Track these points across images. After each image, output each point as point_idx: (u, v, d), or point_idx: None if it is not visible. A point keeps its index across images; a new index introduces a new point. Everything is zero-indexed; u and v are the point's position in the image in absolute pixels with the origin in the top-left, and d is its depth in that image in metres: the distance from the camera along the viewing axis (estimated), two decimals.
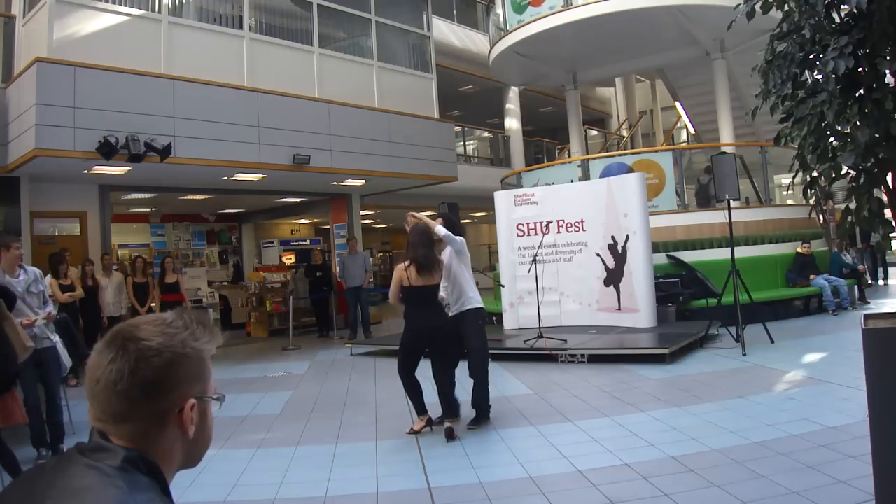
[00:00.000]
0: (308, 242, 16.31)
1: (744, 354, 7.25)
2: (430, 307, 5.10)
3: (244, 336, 13.12)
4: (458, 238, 5.36)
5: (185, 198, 12.45)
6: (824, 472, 3.56)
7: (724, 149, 10.61)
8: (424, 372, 5.21)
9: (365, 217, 15.72)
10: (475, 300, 5.33)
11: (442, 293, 5.31)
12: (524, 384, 6.72)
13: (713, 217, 10.53)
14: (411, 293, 5.05)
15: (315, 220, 17.38)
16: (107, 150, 7.54)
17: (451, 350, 5.17)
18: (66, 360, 5.22)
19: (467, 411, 5.30)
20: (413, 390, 5.15)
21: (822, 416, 4.63)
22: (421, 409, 5.14)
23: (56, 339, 5.12)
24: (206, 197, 12.37)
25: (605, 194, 9.29)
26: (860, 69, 3.12)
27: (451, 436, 4.86)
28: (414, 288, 5.01)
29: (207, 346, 1.01)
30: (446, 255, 5.40)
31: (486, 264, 19.30)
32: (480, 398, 5.26)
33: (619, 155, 13.55)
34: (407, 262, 5.04)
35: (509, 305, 9.84)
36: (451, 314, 5.32)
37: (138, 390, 0.93)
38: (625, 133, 21.70)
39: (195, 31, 9.15)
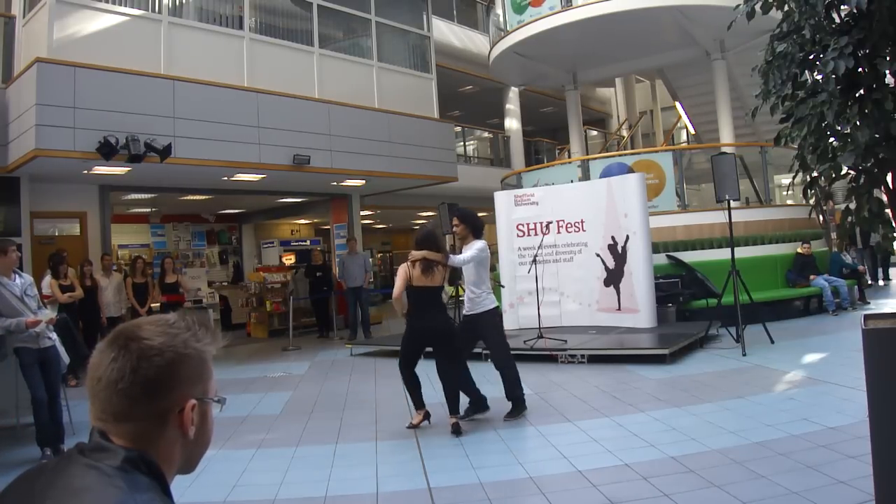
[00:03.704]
0: (308, 243, 16.31)
1: (744, 355, 7.25)
2: (431, 308, 5.14)
3: (244, 336, 13.12)
4: (458, 258, 5.35)
5: (185, 198, 12.45)
6: (824, 473, 3.56)
7: (724, 149, 10.61)
8: (427, 370, 5.21)
9: (365, 217, 15.72)
10: (489, 302, 5.39)
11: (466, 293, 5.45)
12: (524, 384, 6.69)
13: (713, 217, 10.53)
14: (412, 293, 5.11)
15: (315, 220, 17.37)
16: (107, 151, 7.54)
17: (449, 350, 5.20)
18: (65, 357, 5.23)
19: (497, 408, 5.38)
20: (411, 385, 5.25)
21: (822, 416, 4.63)
22: (419, 403, 5.25)
23: (54, 336, 5.15)
24: (206, 197, 12.37)
25: (605, 194, 9.29)
26: (860, 69, 3.12)
27: (456, 431, 4.94)
28: (414, 288, 5.07)
29: (209, 347, 1.02)
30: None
31: None
32: (509, 390, 5.37)
33: (619, 155, 13.55)
34: (412, 262, 5.09)
35: (509, 306, 9.83)
36: (467, 313, 5.44)
37: (139, 389, 0.93)
38: (625, 133, 21.70)
39: (195, 31, 9.15)
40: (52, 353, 5.08)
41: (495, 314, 5.51)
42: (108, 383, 0.94)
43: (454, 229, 5.49)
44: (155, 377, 0.94)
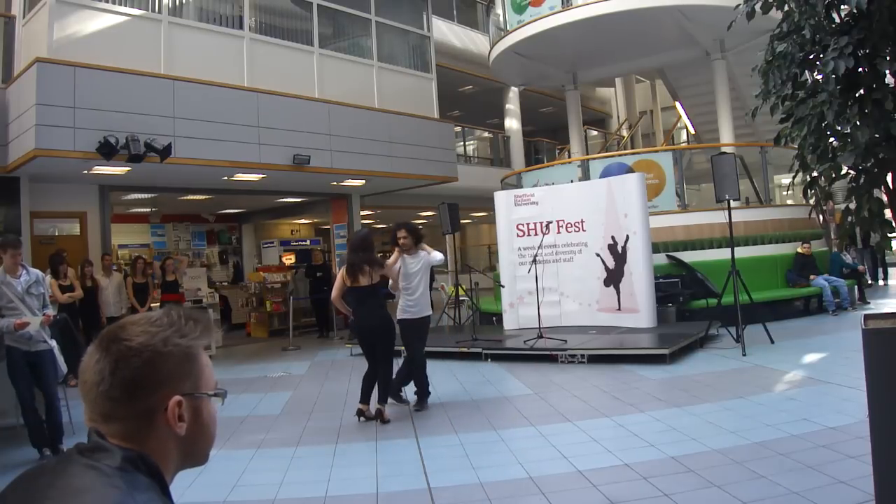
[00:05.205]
0: (308, 243, 16.31)
1: (744, 355, 7.25)
2: (367, 302, 5.68)
3: (244, 336, 13.12)
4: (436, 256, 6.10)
5: (185, 198, 12.44)
6: (824, 472, 3.56)
7: (724, 149, 10.61)
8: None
9: (365, 217, 15.70)
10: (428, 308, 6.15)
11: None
12: (524, 384, 6.72)
13: (713, 217, 10.53)
14: (349, 292, 5.74)
15: (315, 220, 17.38)
16: (107, 151, 7.54)
17: (387, 344, 5.75)
18: (62, 366, 5.17)
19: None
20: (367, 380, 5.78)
21: (822, 416, 4.63)
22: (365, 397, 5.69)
23: (53, 343, 5.09)
24: (206, 197, 12.37)
25: (605, 194, 9.29)
26: (860, 69, 3.12)
27: (373, 417, 5.51)
28: (350, 288, 5.70)
29: (196, 341, 1.00)
30: (415, 264, 5.97)
31: (487, 264, 19.30)
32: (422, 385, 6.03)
33: (619, 155, 13.55)
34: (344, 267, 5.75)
35: (509, 305, 9.84)
36: (407, 316, 5.96)
37: (118, 391, 0.93)
38: (625, 133, 21.70)
39: (195, 31, 9.14)
40: (46, 356, 5.00)
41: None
42: (91, 385, 0.94)
43: (400, 241, 5.95)
44: (132, 378, 0.93)
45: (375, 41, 11.46)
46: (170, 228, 14.69)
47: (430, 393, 6.06)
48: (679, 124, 21.60)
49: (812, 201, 3.80)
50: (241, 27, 9.61)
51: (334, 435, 5.23)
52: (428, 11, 12.62)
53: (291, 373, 8.41)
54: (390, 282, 6.03)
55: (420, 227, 6.36)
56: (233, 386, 7.46)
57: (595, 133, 23.13)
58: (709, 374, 6.56)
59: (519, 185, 12.56)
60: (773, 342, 7.78)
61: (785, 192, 16.00)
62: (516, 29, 13.01)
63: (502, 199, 10.21)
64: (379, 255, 6.16)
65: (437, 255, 6.06)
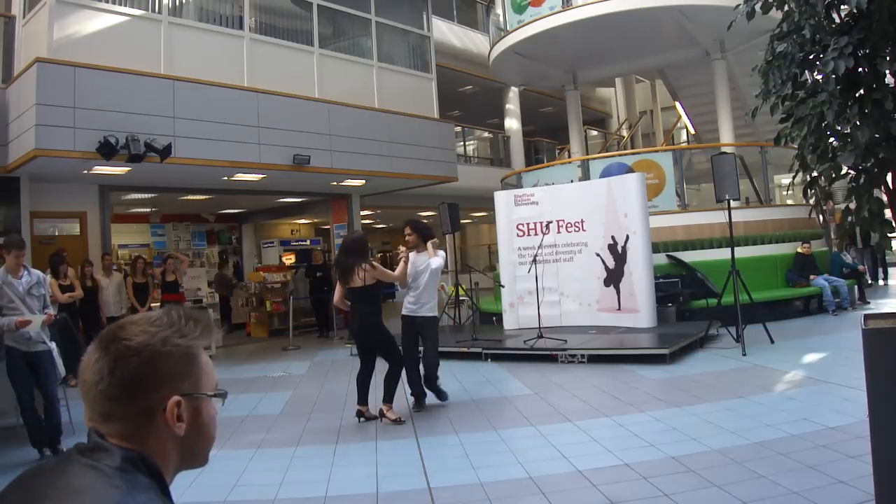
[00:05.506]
0: (308, 242, 16.31)
1: (744, 354, 7.25)
2: (361, 304, 5.68)
3: (244, 336, 13.12)
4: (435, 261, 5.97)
5: (185, 198, 12.44)
6: (824, 472, 3.56)
7: (724, 149, 10.61)
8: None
9: (365, 217, 15.71)
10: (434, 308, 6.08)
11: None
12: (524, 384, 6.72)
13: (713, 217, 10.53)
14: (349, 293, 5.78)
15: (315, 220, 17.38)
16: (107, 151, 7.54)
17: (384, 345, 5.78)
18: (61, 370, 5.17)
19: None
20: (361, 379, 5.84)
21: (822, 416, 4.63)
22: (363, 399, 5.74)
23: (52, 346, 5.09)
24: (206, 197, 12.37)
25: (605, 194, 9.29)
26: (860, 69, 3.12)
27: (381, 415, 5.56)
28: (349, 290, 5.74)
29: (196, 341, 1.00)
30: (422, 262, 5.92)
31: (487, 264, 19.31)
32: (418, 386, 5.98)
33: (619, 155, 13.55)
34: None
35: (509, 305, 9.84)
36: (405, 313, 5.97)
37: (117, 390, 0.93)
38: (625, 133, 21.70)
39: (195, 31, 9.15)
40: (44, 356, 5.00)
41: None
42: (90, 385, 0.94)
43: (406, 238, 5.97)
44: (131, 378, 0.93)
45: (375, 41, 11.46)
46: (170, 228, 14.69)
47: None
48: (679, 124, 21.60)
49: (812, 201, 3.80)
50: (241, 27, 9.61)
51: (334, 435, 5.24)
52: (428, 11, 12.62)
53: (291, 373, 8.41)
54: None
55: (428, 224, 6.25)
56: (233, 386, 7.46)
57: (595, 133, 23.14)
58: (709, 374, 6.56)
59: (519, 185, 12.56)
60: (773, 342, 7.78)
61: (785, 192, 16.02)
62: (516, 29, 13.01)
63: (502, 199, 10.21)
64: (379, 254, 6.09)
65: (435, 260, 5.85)
